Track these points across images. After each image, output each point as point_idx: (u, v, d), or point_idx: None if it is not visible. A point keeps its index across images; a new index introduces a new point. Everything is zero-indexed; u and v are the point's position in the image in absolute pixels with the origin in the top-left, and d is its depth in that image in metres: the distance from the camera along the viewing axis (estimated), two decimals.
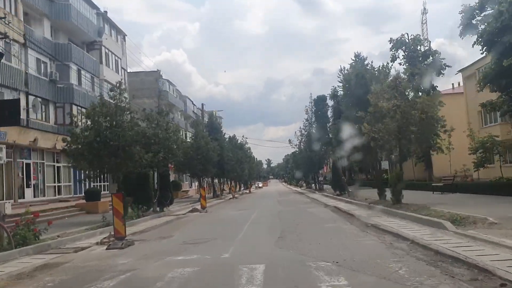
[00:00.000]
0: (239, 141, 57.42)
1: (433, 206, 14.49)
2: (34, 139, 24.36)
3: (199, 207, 23.97)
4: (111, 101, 17.96)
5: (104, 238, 11.78)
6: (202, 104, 42.10)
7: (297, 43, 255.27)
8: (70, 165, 20.21)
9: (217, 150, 36.26)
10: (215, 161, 36.17)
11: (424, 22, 67.88)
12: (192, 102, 71.69)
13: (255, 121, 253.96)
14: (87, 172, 17.79)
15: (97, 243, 11.58)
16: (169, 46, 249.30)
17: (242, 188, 74.54)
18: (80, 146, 17.03)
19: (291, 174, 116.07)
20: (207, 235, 12.17)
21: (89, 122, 17.48)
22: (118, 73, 39.66)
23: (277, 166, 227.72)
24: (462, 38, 21.64)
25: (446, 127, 16.90)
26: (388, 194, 18.18)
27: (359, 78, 21.62)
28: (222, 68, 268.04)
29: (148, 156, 18.17)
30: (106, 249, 10.58)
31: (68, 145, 17.37)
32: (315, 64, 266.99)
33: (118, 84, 18.10)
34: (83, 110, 23.92)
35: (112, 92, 18.05)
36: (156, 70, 55.52)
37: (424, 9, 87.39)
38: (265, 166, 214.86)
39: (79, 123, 18.89)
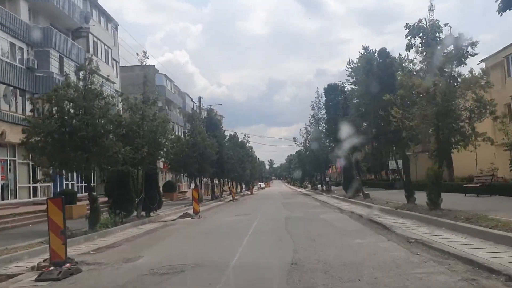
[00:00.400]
0: (240, 140, 54.02)
1: (484, 213, 11.02)
2: (1, 133, 20.98)
3: (191, 211, 20.51)
4: (80, 83, 14.53)
5: (45, 260, 8.34)
6: (199, 98, 38.72)
7: (299, 44, 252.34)
8: (27, 161, 16.70)
9: (216, 147, 32.81)
10: (214, 159, 32.72)
11: (431, 19, 64.25)
12: (191, 99, 68.29)
13: (257, 121, 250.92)
14: (46, 169, 14.28)
15: (32, 268, 8.15)
16: (172, 47, 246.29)
17: (244, 189, 71.03)
18: (39, 138, 13.59)
19: (294, 175, 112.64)
20: (189, 255, 8.69)
21: (51, 109, 14.03)
22: (108, 64, 36.28)
23: (279, 166, 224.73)
24: (501, 14, 18.20)
25: (496, 113, 13.38)
26: (419, 197, 14.74)
27: (383, 57, 18.15)
28: (224, 69, 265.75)
29: (126, 151, 14.69)
30: (36, 280, 7.12)
31: (27, 137, 13.94)
32: (317, 65, 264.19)
33: (87, 62, 14.65)
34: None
35: (81, 72, 14.61)
36: (152, 64, 52.17)
37: (431, 5, 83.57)
38: (267, 166, 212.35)
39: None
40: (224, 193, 49.40)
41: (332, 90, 49.99)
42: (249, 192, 58.57)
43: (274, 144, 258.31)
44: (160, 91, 52.77)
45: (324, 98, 39.73)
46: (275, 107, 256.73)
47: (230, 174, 43.63)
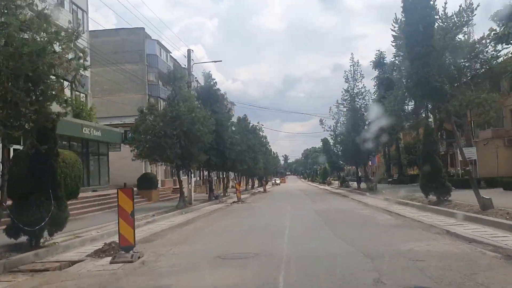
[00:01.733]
0: (252, 125, 42.65)
1: None
2: None
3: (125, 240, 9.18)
4: None
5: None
6: (189, 50, 26.81)
7: (315, 39, 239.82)
8: None
9: (212, 124, 21.38)
10: (208, 142, 21.32)
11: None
12: (195, 78, 56.97)
13: (273, 117, 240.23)
14: None
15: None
16: (188, 42, 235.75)
17: (256, 186, 59.59)
18: None
19: (313, 169, 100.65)
20: None
21: None
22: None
23: (294, 162, 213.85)
24: None
25: None
26: None
27: None
28: (240, 64, 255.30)
29: None
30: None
31: None
32: (333, 61, 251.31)
33: None
34: None
35: None
36: (142, 27, 40.91)
37: None
38: (282, 162, 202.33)
39: None
40: (230, 189, 38.03)
41: (383, 65, 38.85)
42: (261, 190, 47.12)
43: (289, 138, 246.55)
44: (152, 61, 41.77)
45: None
46: (290, 103, 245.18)
47: (236, 165, 32.18)
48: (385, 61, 43.73)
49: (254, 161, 40.48)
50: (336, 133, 34.34)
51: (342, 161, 36.92)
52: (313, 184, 73.96)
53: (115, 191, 8.24)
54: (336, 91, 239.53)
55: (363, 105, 33.37)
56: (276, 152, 79.47)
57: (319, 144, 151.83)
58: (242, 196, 34.47)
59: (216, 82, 28.53)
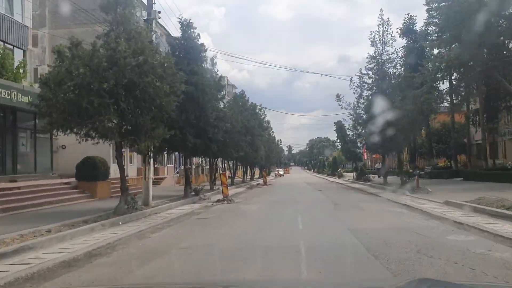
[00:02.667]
0: (251, 103, 34.66)
1: None
2: None
3: None
4: None
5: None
6: None
7: (323, 30, 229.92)
8: None
9: (178, 80, 13.41)
10: (173, 109, 13.37)
11: None
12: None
13: (277, 107, 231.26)
14: None
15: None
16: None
17: (257, 177, 51.69)
18: None
19: (319, 160, 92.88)
20: None
21: None
22: None
23: (298, 152, 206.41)
24: None
25: None
26: None
27: None
28: (246, 53, 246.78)
29: None
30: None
31: None
32: (340, 52, 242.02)
33: None
34: None
35: None
36: None
37: None
38: (286, 152, 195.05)
39: None
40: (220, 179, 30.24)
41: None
42: (261, 181, 39.14)
43: (293, 128, 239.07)
44: None
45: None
46: (296, 94, 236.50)
47: (227, 151, 24.37)
48: (415, 28, 35.55)
49: (252, 147, 32.64)
50: (358, 112, 26.23)
51: (368, 148, 28.61)
52: (320, 176, 65.99)
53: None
54: (342, 82, 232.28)
55: (393, 76, 25.36)
56: (280, 139, 71.41)
57: (325, 134, 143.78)
58: (236, 191, 26.79)
59: (199, 35, 20.49)
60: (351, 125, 27.19)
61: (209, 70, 21.81)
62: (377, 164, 35.32)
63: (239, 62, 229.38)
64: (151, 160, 15.79)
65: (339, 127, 33.49)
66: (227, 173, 27.46)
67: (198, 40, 20.53)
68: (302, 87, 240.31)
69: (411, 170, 26.38)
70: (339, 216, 12.57)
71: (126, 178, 15.04)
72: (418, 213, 12.21)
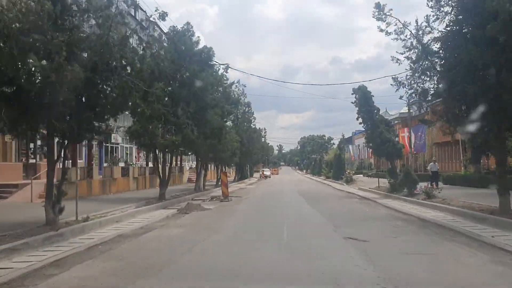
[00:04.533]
0: (204, 46, 19.63)
1: None
2: None
3: None
4: None
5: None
6: None
7: (315, 31, 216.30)
8: None
9: None
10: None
11: None
12: None
13: (269, 107, 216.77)
14: None
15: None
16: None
17: (235, 180, 36.21)
18: None
19: (313, 159, 77.81)
20: None
21: None
22: None
23: (289, 152, 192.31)
24: None
25: None
26: None
27: None
28: (239, 53, 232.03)
29: None
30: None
31: None
32: (333, 53, 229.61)
33: None
34: None
35: None
36: None
37: None
38: (276, 151, 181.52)
39: None
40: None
41: None
42: (239, 185, 23.20)
43: (284, 128, 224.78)
44: None
45: None
46: (288, 94, 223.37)
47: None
48: None
49: (202, 126, 17.19)
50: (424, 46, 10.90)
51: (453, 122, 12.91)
52: (317, 179, 50.68)
53: None
54: (334, 82, 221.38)
55: None
56: (264, 128, 55.04)
57: (317, 132, 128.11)
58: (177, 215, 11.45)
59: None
60: (409, 77, 11.97)
61: None
62: (432, 163, 19.95)
63: (231, 60, 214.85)
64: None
65: (362, 95, 18.06)
66: None
67: None
68: (294, 87, 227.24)
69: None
70: None
71: None
72: None
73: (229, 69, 21.00)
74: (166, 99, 15.83)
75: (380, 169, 48.48)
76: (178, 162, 34.82)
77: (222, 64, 20.03)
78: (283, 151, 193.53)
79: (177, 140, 15.00)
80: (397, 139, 19.08)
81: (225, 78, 21.49)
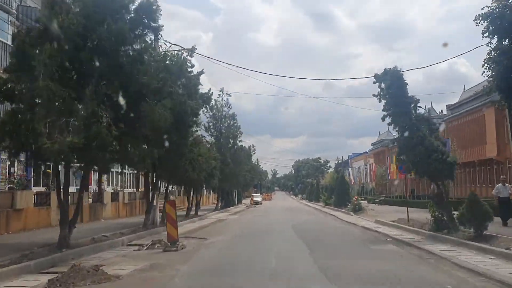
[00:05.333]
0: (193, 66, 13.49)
1: None
2: None
3: None
4: None
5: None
6: None
7: (308, 57, 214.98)
8: None
9: None
10: None
11: None
12: None
13: (263, 132, 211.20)
14: None
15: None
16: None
17: (207, 209, 29.07)
18: None
19: (309, 184, 70.81)
20: None
21: None
22: None
23: (283, 176, 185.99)
24: None
25: None
26: None
27: None
28: (233, 78, 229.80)
29: None
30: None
31: None
32: (326, 78, 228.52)
33: None
34: None
35: None
36: None
37: None
38: (270, 176, 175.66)
39: None
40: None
41: None
42: (218, 216, 16.22)
43: (278, 152, 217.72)
44: None
45: None
46: (281, 119, 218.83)
47: None
48: None
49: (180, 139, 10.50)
50: None
51: None
52: (315, 206, 43.50)
53: None
54: (326, 108, 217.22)
55: None
56: (253, 145, 47.54)
57: (312, 156, 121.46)
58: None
59: None
60: None
61: None
62: (500, 184, 13.11)
63: (225, 85, 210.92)
64: None
65: (393, 82, 11.46)
66: None
67: None
68: (287, 112, 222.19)
69: None
70: None
71: None
72: None
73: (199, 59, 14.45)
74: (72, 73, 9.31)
75: (383, 195, 41.90)
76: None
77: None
78: (277, 176, 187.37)
79: (78, 142, 8.21)
80: (445, 147, 12.24)
81: (189, 64, 14.87)
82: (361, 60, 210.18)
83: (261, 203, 52.53)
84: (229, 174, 30.19)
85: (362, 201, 31.03)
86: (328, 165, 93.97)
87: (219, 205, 34.69)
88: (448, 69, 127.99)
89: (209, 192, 43.39)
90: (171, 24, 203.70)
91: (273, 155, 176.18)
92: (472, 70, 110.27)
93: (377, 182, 44.18)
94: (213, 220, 22.49)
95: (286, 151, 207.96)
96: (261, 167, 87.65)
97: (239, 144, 31.95)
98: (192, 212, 23.55)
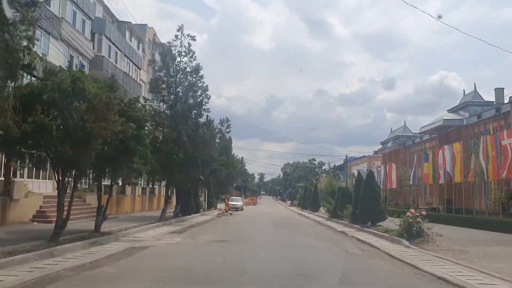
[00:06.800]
0: None
1: None
2: None
3: None
4: None
5: None
6: None
7: (302, 63, 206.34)
8: None
9: None
10: None
11: None
12: None
13: (253, 136, 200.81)
14: None
15: None
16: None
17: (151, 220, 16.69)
18: None
19: (304, 189, 58.40)
20: None
21: None
22: None
23: (270, 181, 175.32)
24: None
25: None
26: None
27: None
28: (226, 81, 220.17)
29: None
30: None
31: None
32: (317, 85, 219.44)
33: None
34: None
35: None
36: None
37: None
38: (257, 180, 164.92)
39: None
40: None
41: None
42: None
43: (267, 156, 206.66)
44: None
45: None
46: (272, 123, 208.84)
47: None
48: None
49: None
50: None
51: None
52: (314, 217, 31.13)
53: None
54: (318, 114, 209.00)
55: None
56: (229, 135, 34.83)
57: (303, 159, 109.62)
58: None
59: None
60: None
61: None
62: None
63: (218, 87, 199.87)
64: None
65: None
66: None
67: None
68: (278, 117, 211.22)
69: None
70: None
71: None
72: None
73: None
74: None
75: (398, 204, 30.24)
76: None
77: None
78: (265, 179, 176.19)
79: None
80: None
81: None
82: (354, 68, 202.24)
83: (241, 209, 40.04)
84: (185, 161, 18.04)
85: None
86: (323, 168, 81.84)
87: (175, 210, 22.27)
88: None
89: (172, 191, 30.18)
90: (166, 25, 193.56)
91: (263, 159, 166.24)
92: None
93: (401, 188, 32.37)
94: (127, 246, 10.25)
95: (276, 155, 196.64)
96: (245, 166, 75.53)
97: (205, 115, 19.54)
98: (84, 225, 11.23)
